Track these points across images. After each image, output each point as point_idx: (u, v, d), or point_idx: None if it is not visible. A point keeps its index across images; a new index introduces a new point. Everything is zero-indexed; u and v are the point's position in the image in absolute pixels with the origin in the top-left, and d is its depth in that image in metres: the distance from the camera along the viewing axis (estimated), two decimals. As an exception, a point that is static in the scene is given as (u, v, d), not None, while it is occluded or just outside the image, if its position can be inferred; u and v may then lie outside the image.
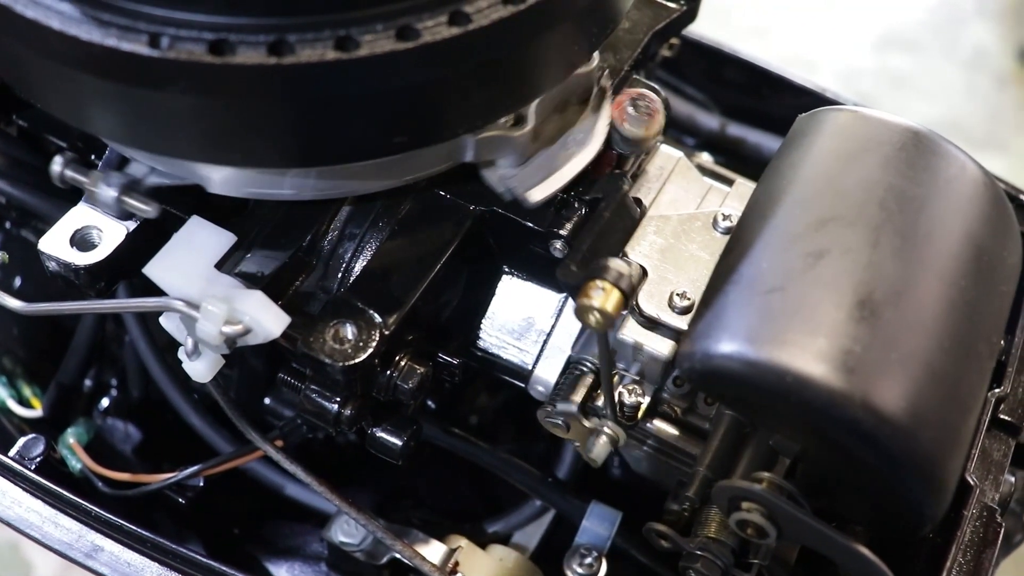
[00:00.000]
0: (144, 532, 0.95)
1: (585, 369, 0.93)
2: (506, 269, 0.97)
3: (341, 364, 0.80)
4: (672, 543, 0.87)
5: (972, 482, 0.92)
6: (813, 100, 1.23)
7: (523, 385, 0.97)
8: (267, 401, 1.19)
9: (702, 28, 1.28)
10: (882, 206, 0.79)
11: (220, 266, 0.85)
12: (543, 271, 0.93)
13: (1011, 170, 2.43)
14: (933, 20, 2.88)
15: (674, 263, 0.91)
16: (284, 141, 0.76)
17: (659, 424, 0.94)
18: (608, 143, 0.91)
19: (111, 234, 0.90)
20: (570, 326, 0.95)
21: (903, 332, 0.73)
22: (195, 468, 1.04)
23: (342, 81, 0.70)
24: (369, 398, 0.87)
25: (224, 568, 0.94)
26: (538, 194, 0.86)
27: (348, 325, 0.82)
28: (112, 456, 1.25)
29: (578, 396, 0.91)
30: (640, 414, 0.91)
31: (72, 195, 0.94)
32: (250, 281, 0.84)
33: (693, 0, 1.04)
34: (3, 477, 0.99)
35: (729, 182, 1.01)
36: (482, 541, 1.10)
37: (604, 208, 0.88)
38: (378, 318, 0.83)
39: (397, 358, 0.86)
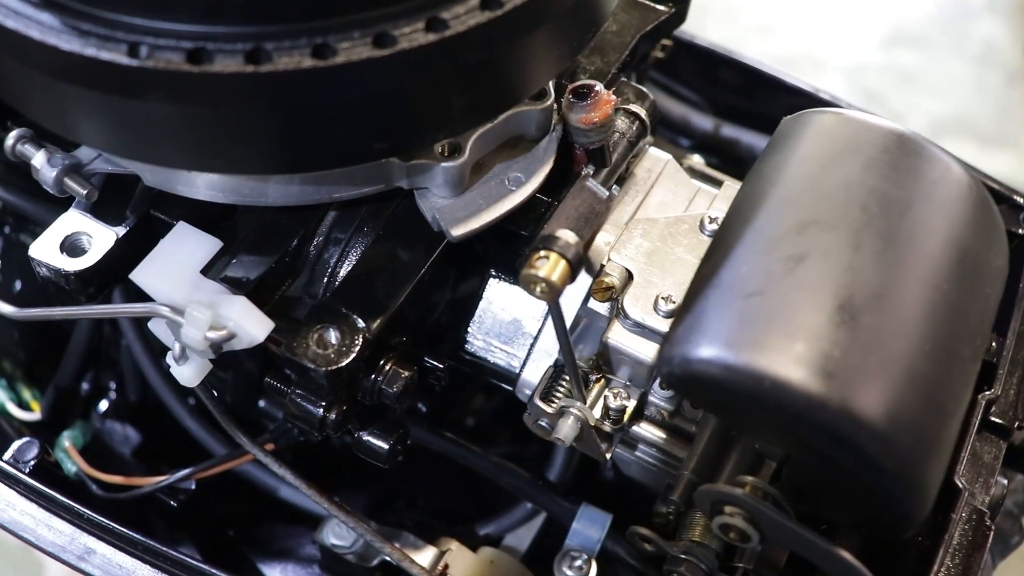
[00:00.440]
0: (136, 535, 0.96)
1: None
2: (493, 273, 0.97)
3: (324, 369, 0.81)
4: (655, 546, 0.87)
5: (961, 485, 0.92)
6: (807, 101, 1.22)
7: (511, 388, 0.97)
8: (261, 404, 1.20)
9: (709, 26, 1.28)
10: (864, 209, 0.78)
11: (206, 272, 0.86)
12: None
13: (1021, 167, 2.42)
14: (942, 16, 2.86)
15: (660, 266, 0.91)
16: (264, 148, 0.76)
17: (646, 427, 0.94)
18: (571, 142, 0.90)
19: (100, 240, 0.91)
20: (557, 329, 0.95)
21: (883, 336, 0.73)
22: (186, 471, 1.05)
23: (320, 88, 0.71)
24: (354, 402, 0.87)
25: (215, 571, 0.94)
26: (461, 229, 0.85)
27: (331, 330, 0.82)
28: (111, 458, 1.27)
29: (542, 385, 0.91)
30: (626, 417, 0.91)
31: (65, 200, 0.94)
32: (236, 286, 0.85)
33: (682, 2, 1.04)
34: (-2, 480, 1.00)
35: (719, 184, 1.01)
36: (473, 543, 1.10)
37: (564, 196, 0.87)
38: (361, 323, 0.83)
39: (382, 362, 0.86)
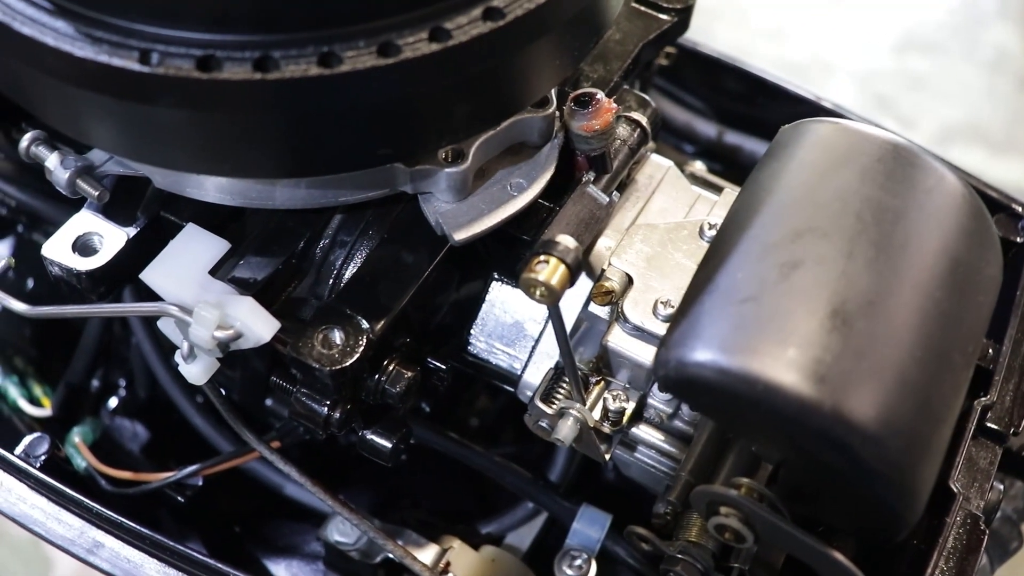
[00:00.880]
0: (144, 530, 0.98)
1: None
2: (495, 276, 0.99)
3: (328, 368, 0.82)
4: (652, 546, 0.89)
5: (956, 490, 0.93)
6: (809, 108, 1.24)
7: (513, 389, 0.99)
8: (269, 402, 1.22)
9: (719, 31, 1.29)
10: (858, 217, 0.80)
11: (214, 272, 0.88)
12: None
13: (1031, 173, 2.42)
14: (953, 21, 2.86)
15: (660, 271, 0.93)
16: (271, 153, 0.78)
17: (645, 429, 0.96)
18: (572, 149, 0.91)
19: (112, 240, 0.93)
20: (559, 332, 0.96)
21: (875, 342, 0.75)
22: (194, 468, 1.07)
23: (325, 96, 0.73)
24: (358, 402, 0.89)
25: (220, 566, 0.96)
26: (463, 233, 0.86)
27: (336, 331, 0.84)
28: (120, 455, 1.29)
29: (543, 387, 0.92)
30: (625, 419, 0.92)
31: (77, 200, 0.96)
32: (243, 287, 0.87)
33: (684, 11, 1.06)
34: (9, 474, 1.02)
35: (720, 190, 1.03)
36: (475, 542, 1.12)
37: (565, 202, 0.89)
38: (365, 324, 0.85)
39: (385, 363, 0.88)
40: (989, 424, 0.98)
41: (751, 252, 0.80)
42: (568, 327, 0.90)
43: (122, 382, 1.37)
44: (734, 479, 0.84)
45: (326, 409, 0.87)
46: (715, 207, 0.98)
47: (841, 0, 2.83)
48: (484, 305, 0.99)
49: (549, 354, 0.97)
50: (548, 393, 0.93)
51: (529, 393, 0.97)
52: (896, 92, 2.63)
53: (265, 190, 0.86)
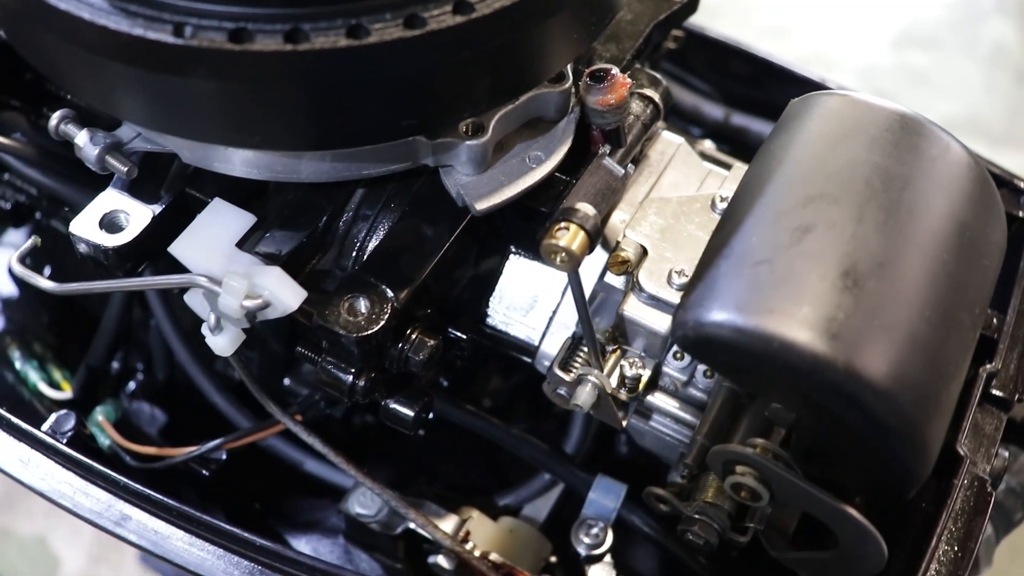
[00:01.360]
0: (170, 501, 0.99)
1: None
2: (513, 249, 1.01)
3: (355, 335, 0.85)
4: (670, 506, 0.91)
5: (963, 453, 0.95)
6: (813, 89, 1.26)
7: (530, 360, 1.01)
8: (286, 382, 1.24)
9: (720, 28, 1.33)
10: (867, 184, 0.82)
11: (241, 245, 0.90)
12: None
13: (1031, 166, 2.44)
14: (952, 17, 2.89)
15: (673, 242, 0.95)
16: (299, 124, 0.81)
17: (660, 397, 0.98)
18: (588, 124, 0.94)
19: (138, 217, 0.95)
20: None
21: (885, 301, 0.77)
22: (219, 441, 1.09)
23: (353, 67, 0.75)
24: (382, 370, 0.91)
25: (247, 535, 0.98)
26: (484, 203, 0.89)
27: (361, 299, 0.87)
28: (138, 437, 1.30)
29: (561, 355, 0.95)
30: (641, 386, 0.95)
31: (99, 182, 0.99)
32: (269, 260, 0.89)
33: (693, -8, 1.09)
34: (36, 450, 1.04)
35: (729, 167, 1.05)
36: (493, 514, 1.14)
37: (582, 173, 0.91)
38: (390, 292, 0.87)
39: (408, 331, 0.90)
40: (994, 391, 1.01)
41: (764, 217, 0.82)
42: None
43: (140, 366, 1.40)
44: (749, 440, 0.86)
45: (351, 377, 0.89)
46: (726, 182, 1.01)
47: (841, -3, 2.86)
48: (502, 278, 1.02)
49: (566, 325, 0.99)
50: (566, 361, 0.95)
51: (546, 363, 0.99)
52: (896, 87, 2.66)
53: (291, 163, 0.89)
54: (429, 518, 1.03)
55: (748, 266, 0.80)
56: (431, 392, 0.98)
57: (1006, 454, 1.05)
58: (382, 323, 0.86)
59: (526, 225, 0.96)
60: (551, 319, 1.00)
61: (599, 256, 0.95)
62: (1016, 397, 1.02)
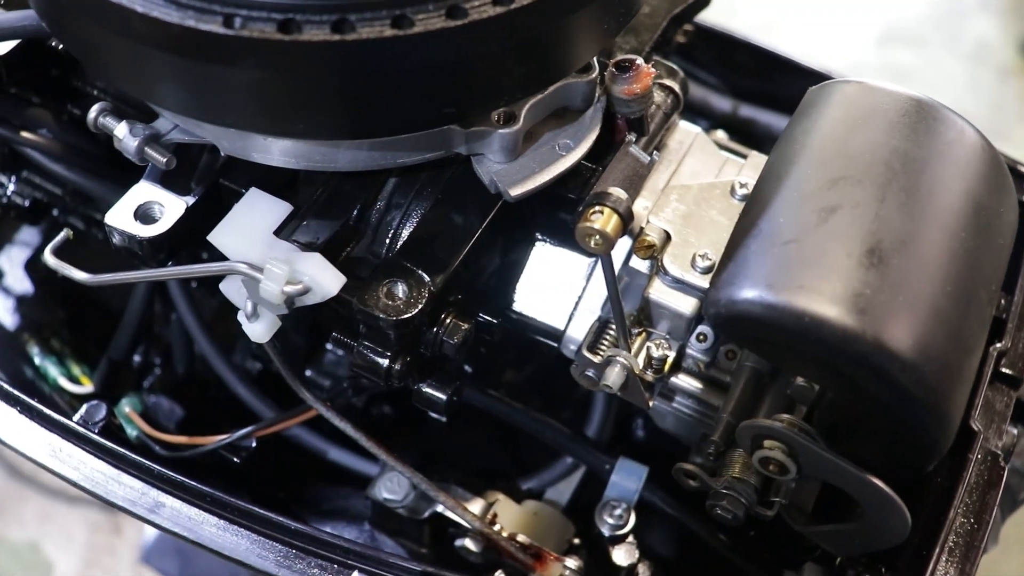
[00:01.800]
0: (203, 487, 1.01)
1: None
2: (539, 236, 1.04)
3: (394, 319, 0.87)
4: (699, 482, 0.94)
5: (976, 428, 0.99)
6: (819, 80, 1.29)
7: (556, 345, 1.04)
8: (308, 373, 1.26)
9: (709, 23, 1.36)
10: (887, 166, 0.86)
11: (278, 233, 0.93)
12: (574, 237, 1.00)
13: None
14: (935, 14, 2.94)
15: (696, 227, 0.98)
16: (344, 113, 0.83)
17: (684, 378, 1.01)
18: (613, 113, 0.97)
19: (172, 209, 0.97)
20: (600, 289, 1.02)
21: (909, 277, 0.80)
22: (249, 428, 1.11)
23: (398, 56, 0.78)
24: (417, 354, 0.94)
25: (282, 519, 1.00)
26: (518, 189, 0.92)
27: (399, 284, 0.89)
28: (159, 430, 1.32)
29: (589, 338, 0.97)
30: (667, 367, 0.98)
31: (125, 178, 1.01)
32: (306, 247, 0.92)
33: (708, -13, 1.12)
34: (68, 441, 1.05)
35: (744, 156, 1.08)
36: (517, 497, 1.17)
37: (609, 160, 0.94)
38: (427, 277, 0.90)
39: (443, 316, 0.93)
40: (1004, 369, 1.05)
41: (790, 200, 0.86)
42: (610, 283, 0.95)
43: (158, 361, 1.41)
44: (776, 416, 0.89)
45: (387, 361, 0.92)
46: (743, 169, 1.04)
47: (825, -5, 2.90)
48: (528, 264, 1.05)
49: (591, 310, 1.02)
50: (594, 344, 0.98)
51: (572, 347, 1.02)
52: (881, 84, 2.70)
53: (329, 152, 0.91)
54: (459, 501, 1.05)
55: (777, 246, 0.83)
56: (462, 376, 1.00)
57: (1015, 431, 1.09)
58: (420, 306, 0.88)
59: (552, 212, 0.99)
60: (576, 304, 1.03)
61: (623, 243, 0.98)
62: (1024, 375, 1.05)
